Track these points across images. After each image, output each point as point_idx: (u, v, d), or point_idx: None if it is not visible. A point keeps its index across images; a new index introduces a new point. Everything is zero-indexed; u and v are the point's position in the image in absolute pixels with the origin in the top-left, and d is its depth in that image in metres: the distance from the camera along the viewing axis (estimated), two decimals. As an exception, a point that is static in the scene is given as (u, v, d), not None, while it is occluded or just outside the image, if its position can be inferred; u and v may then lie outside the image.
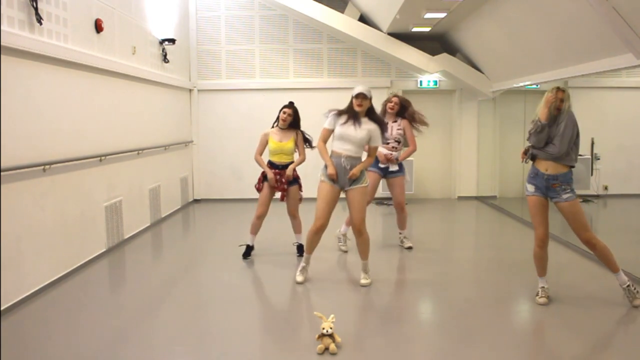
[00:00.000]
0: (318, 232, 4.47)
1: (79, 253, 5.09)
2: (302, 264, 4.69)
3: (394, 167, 5.61)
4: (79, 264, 5.03)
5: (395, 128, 5.60)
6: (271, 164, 5.28)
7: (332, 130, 4.44)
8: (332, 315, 3.35)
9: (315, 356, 3.22)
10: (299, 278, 4.63)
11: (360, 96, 4.29)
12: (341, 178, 4.38)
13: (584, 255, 5.39)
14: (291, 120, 5.24)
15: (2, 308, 3.86)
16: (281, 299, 4.40)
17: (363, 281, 4.58)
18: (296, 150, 5.32)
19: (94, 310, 4.10)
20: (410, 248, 5.79)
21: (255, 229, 5.42)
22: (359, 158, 4.42)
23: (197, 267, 5.32)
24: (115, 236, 5.87)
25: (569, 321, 3.84)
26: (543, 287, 4.14)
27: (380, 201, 8.97)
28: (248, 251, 5.45)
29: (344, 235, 5.77)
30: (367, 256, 4.61)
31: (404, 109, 5.66)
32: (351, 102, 4.37)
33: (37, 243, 4.37)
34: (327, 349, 3.25)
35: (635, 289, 3.99)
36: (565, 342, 3.56)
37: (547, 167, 3.96)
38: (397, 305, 4.33)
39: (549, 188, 3.97)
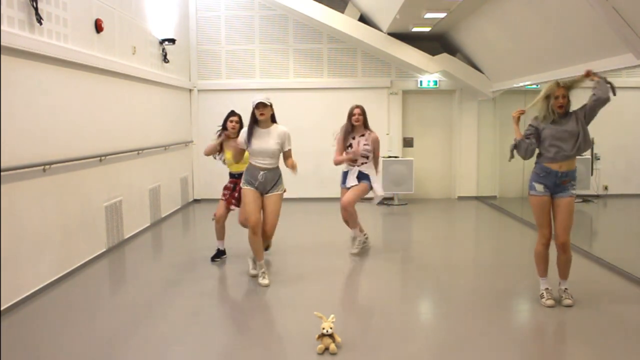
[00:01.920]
0: (256, 231, 4.53)
1: (79, 253, 5.09)
2: (262, 270, 4.65)
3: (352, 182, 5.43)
4: (79, 264, 5.03)
5: (362, 143, 5.44)
6: (230, 174, 5.29)
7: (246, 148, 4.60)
8: (332, 315, 3.34)
9: (315, 356, 3.22)
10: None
11: (260, 105, 4.42)
12: (260, 185, 4.55)
13: (584, 256, 5.39)
14: (239, 127, 5.13)
15: (2, 308, 3.86)
16: (281, 299, 4.40)
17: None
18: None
19: (94, 310, 4.10)
20: (355, 254, 5.53)
21: (218, 234, 5.37)
22: (277, 167, 4.61)
23: (196, 267, 5.32)
24: (115, 236, 5.87)
25: (569, 322, 3.85)
26: (547, 288, 4.09)
27: (380, 201, 8.97)
28: (218, 254, 5.40)
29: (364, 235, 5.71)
30: (262, 256, 4.69)
31: (365, 119, 5.53)
32: (253, 113, 4.49)
33: (37, 243, 4.37)
34: (327, 349, 3.25)
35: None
36: (567, 343, 3.56)
37: (560, 165, 3.91)
38: (396, 305, 4.33)
39: (558, 185, 3.92)
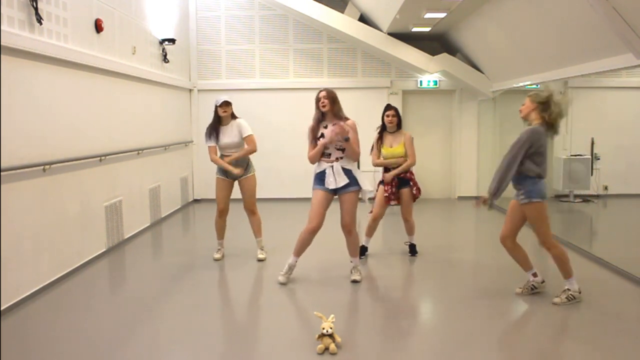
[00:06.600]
0: (222, 216, 5.37)
1: (79, 253, 5.09)
2: (218, 248, 5.46)
3: (340, 183, 4.48)
4: (79, 264, 5.04)
5: (335, 132, 4.44)
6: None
7: (216, 145, 5.30)
8: (332, 315, 3.35)
9: (315, 356, 3.22)
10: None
11: (224, 104, 5.18)
12: (231, 174, 5.28)
13: (584, 256, 5.39)
14: (397, 121, 5.42)
15: (2, 308, 3.87)
16: (281, 299, 4.40)
17: (260, 256, 5.41)
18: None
19: (94, 310, 4.10)
20: (355, 282, 4.66)
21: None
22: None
23: (196, 267, 5.32)
24: (115, 236, 5.87)
25: (569, 321, 3.85)
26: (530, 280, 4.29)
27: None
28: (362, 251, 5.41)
29: None
30: (261, 233, 5.50)
31: (336, 106, 4.55)
32: (216, 112, 5.21)
33: (37, 243, 4.37)
34: (327, 349, 3.25)
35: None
36: (566, 342, 3.56)
37: None
38: (396, 305, 4.33)
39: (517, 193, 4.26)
